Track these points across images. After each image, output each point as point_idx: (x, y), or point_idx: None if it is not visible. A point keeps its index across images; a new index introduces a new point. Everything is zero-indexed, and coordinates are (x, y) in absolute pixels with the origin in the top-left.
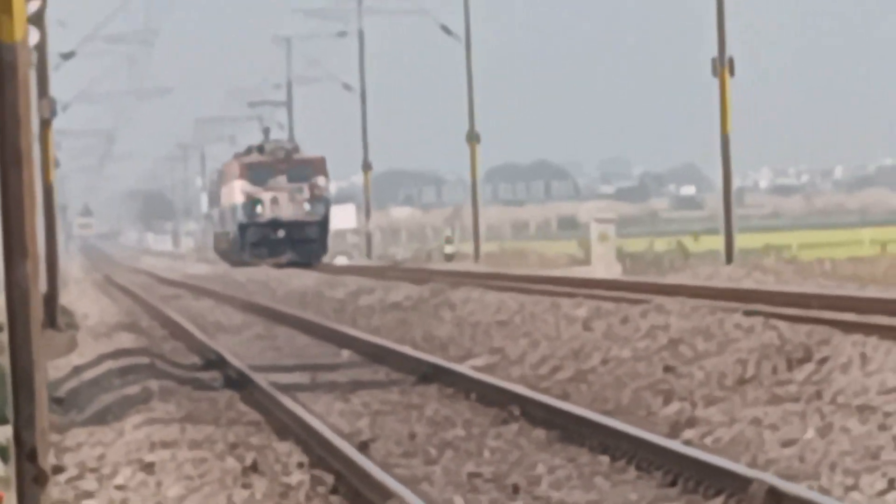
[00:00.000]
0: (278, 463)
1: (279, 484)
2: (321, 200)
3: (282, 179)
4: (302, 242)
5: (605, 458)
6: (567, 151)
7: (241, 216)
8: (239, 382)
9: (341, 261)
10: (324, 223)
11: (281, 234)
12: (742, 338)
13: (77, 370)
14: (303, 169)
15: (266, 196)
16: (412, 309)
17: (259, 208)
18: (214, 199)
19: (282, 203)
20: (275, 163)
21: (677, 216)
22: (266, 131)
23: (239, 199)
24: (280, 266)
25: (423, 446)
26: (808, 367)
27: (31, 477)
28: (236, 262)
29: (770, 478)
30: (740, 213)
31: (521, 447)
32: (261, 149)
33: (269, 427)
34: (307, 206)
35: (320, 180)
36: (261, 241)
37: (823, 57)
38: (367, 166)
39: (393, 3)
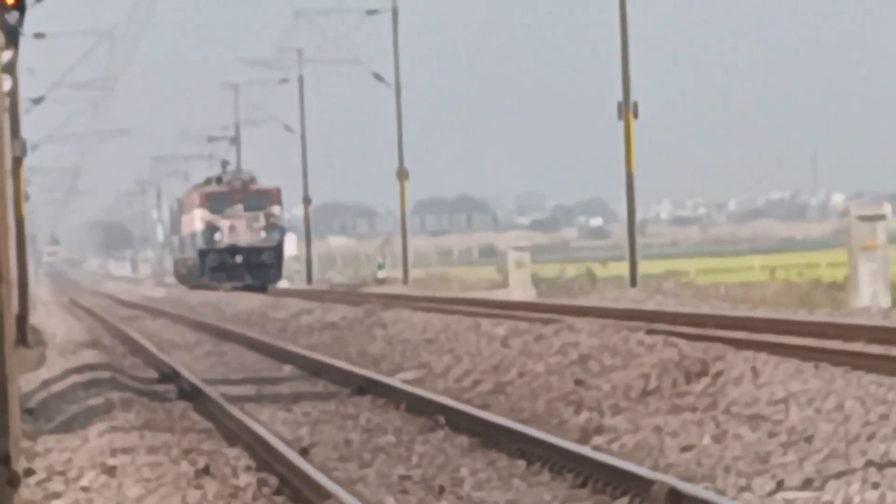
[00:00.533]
0: (228, 466)
1: (229, 486)
2: (276, 228)
3: (239, 208)
4: (258, 267)
5: (521, 462)
6: (487, 186)
7: (200, 242)
8: (192, 394)
9: (283, 284)
10: (279, 249)
11: (238, 259)
12: (645, 354)
13: (46, 383)
14: (259, 198)
15: (224, 223)
16: (347, 328)
17: (218, 235)
18: (175, 228)
19: (239, 230)
20: (232, 192)
21: (586, 245)
22: (224, 164)
23: (199, 226)
24: (236, 289)
25: (358, 451)
26: (705, 381)
27: (5, 479)
28: (195, 286)
29: (670, 480)
30: (643, 242)
31: (447, 452)
32: (219, 179)
33: (220, 434)
34: (263, 234)
35: (275, 209)
36: (220, 265)
37: (719, 99)
38: (307, 200)
39: (330, 53)
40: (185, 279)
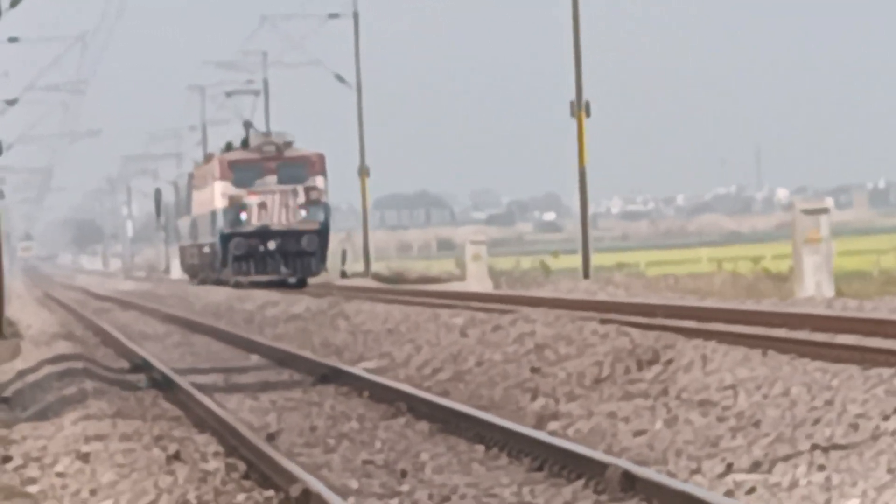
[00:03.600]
0: (197, 452)
1: (199, 470)
2: (319, 205)
3: (271, 180)
4: (297, 256)
5: (480, 447)
6: (444, 183)
7: (222, 224)
8: (162, 383)
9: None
10: (323, 232)
11: (271, 245)
12: (598, 343)
13: (21, 374)
14: (297, 167)
15: (253, 200)
16: (312, 319)
17: (244, 215)
18: (182, 208)
19: (272, 209)
20: (263, 160)
21: (540, 238)
22: (247, 124)
23: (220, 203)
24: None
25: (323, 438)
26: (656, 368)
27: None
28: (215, 281)
29: (624, 463)
30: (595, 236)
31: (408, 438)
32: (245, 143)
33: (189, 421)
34: (303, 213)
35: (318, 181)
36: (247, 254)
37: (667, 98)
38: None
39: (293, 56)
40: (195, 271)
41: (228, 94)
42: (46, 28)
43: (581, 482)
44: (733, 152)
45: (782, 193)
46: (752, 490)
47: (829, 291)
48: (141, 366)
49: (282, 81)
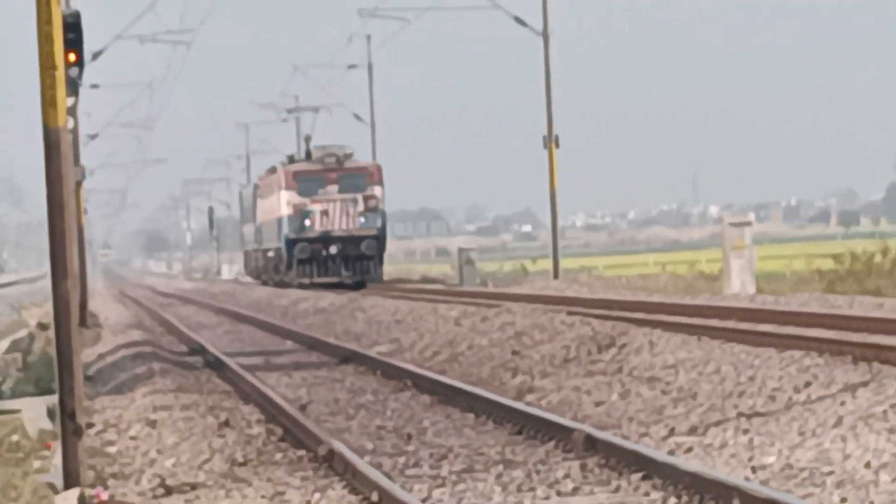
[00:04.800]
0: (244, 420)
1: (244, 434)
2: (377, 212)
3: (333, 189)
4: (356, 259)
5: (471, 415)
6: (442, 201)
7: (287, 230)
8: (215, 364)
9: None
10: (380, 238)
11: (333, 249)
12: (566, 330)
13: (101, 356)
14: (357, 178)
15: (315, 208)
16: (335, 312)
17: (308, 221)
18: (247, 215)
19: (333, 216)
20: (325, 171)
21: (519, 246)
22: (307, 138)
23: (285, 211)
24: (328, 287)
25: (345, 407)
26: (613, 351)
27: (71, 430)
28: (277, 283)
29: (587, 428)
30: (563, 244)
31: (413, 408)
32: (308, 155)
33: (237, 395)
34: (362, 220)
35: (376, 190)
36: (310, 258)
37: (622, 131)
38: None
39: (319, 99)
40: (259, 274)
41: (290, 111)
42: (122, 76)
43: (552, 443)
44: (675, 175)
45: (714, 209)
46: (689, 449)
47: (751, 289)
48: (198, 350)
49: (311, 117)
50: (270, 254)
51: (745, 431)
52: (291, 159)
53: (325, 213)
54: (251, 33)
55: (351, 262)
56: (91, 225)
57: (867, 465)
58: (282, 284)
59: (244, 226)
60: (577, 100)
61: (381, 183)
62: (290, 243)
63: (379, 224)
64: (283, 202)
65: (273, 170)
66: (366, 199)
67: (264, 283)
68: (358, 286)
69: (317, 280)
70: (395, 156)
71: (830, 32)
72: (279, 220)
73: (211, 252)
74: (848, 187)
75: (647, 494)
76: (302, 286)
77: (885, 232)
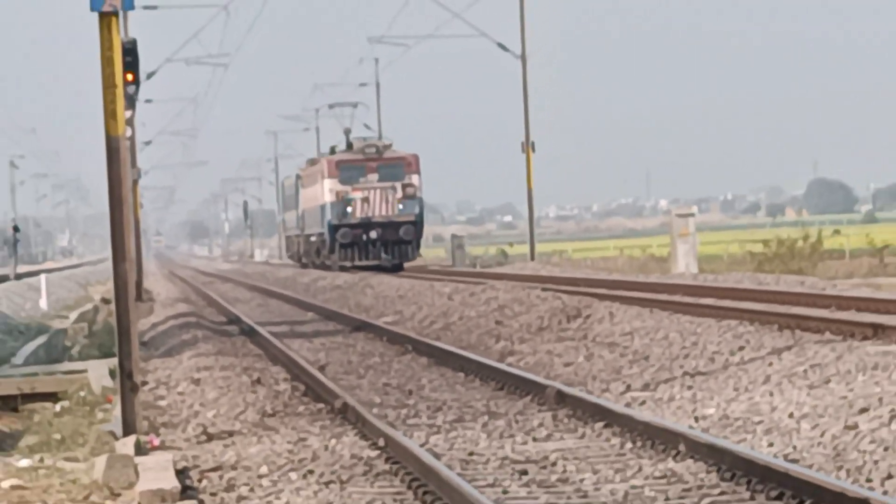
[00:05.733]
0: (272, 378)
1: (273, 390)
2: (414, 199)
3: (373, 178)
4: (395, 244)
5: (461, 374)
6: (437, 195)
7: (330, 216)
8: (248, 331)
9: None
10: (418, 223)
11: (373, 234)
12: (540, 304)
13: (154, 325)
14: (395, 167)
15: (357, 195)
16: (348, 288)
17: (350, 208)
18: (289, 203)
19: (373, 202)
20: (366, 160)
21: (502, 233)
22: (347, 131)
23: (328, 198)
24: (368, 269)
25: (356, 368)
26: (579, 321)
27: (129, 388)
28: (317, 265)
29: (558, 385)
30: (538, 232)
31: (413, 368)
32: (350, 146)
33: (267, 357)
34: (400, 206)
35: (414, 178)
36: (351, 242)
37: (587, 135)
38: None
39: (337, 112)
40: (300, 257)
41: (331, 107)
42: (171, 92)
43: (529, 398)
44: (631, 174)
45: (663, 203)
46: (643, 402)
47: (694, 269)
48: (234, 320)
49: (330, 126)
50: (313, 238)
51: (689, 388)
52: (333, 150)
53: (365, 200)
54: (278, 57)
55: (390, 246)
56: (146, 216)
57: (791, 415)
58: (323, 267)
59: (286, 213)
60: (550, 110)
61: (418, 172)
62: (333, 229)
63: (416, 210)
64: (326, 190)
65: (315, 161)
66: (404, 186)
67: (304, 266)
68: (396, 269)
69: (358, 263)
70: None
71: (765, 46)
72: (322, 207)
73: (245, 238)
74: (775, 184)
75: (608, 440)
76: (343, 268)
77: (806, 221)
